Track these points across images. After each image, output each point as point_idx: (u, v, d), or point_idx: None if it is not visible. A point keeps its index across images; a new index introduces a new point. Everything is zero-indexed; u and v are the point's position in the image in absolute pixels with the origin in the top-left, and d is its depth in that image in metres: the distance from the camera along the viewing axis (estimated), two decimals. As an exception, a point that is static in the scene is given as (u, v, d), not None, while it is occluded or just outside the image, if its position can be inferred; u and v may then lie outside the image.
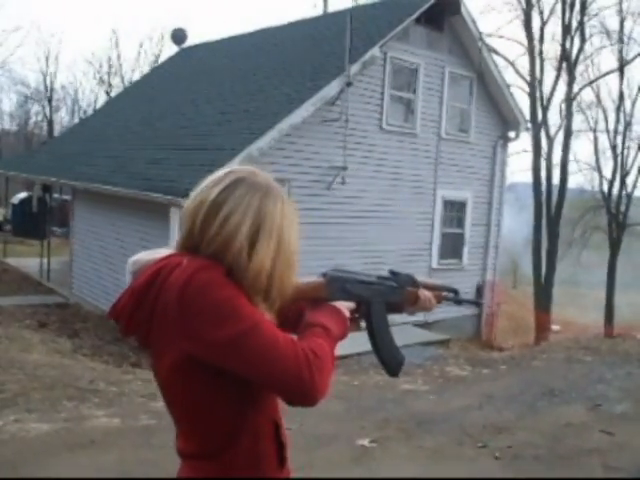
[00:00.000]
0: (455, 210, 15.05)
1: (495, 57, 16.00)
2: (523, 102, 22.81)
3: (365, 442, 5.45)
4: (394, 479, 4.66)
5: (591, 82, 24.77)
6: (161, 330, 1.51)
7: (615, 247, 25.04)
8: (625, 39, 24.51)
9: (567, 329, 21.55)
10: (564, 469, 5.20)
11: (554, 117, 53.44)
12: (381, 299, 1.84)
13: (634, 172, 25.98)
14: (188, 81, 17.52)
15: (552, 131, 23.51)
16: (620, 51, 24.65)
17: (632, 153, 26.13)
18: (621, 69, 24.70)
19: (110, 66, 41.63)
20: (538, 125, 21.82)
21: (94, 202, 13.88)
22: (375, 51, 12.16)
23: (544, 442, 5.78)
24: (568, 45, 22.33)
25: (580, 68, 23.70)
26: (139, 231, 11.94)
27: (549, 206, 22.86)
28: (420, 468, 5.04)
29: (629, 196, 25.79)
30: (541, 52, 22.17)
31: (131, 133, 15.49)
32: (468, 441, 5.71)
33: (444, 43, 13.88)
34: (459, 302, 2.10)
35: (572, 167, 24.41)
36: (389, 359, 1.85)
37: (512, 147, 27.59)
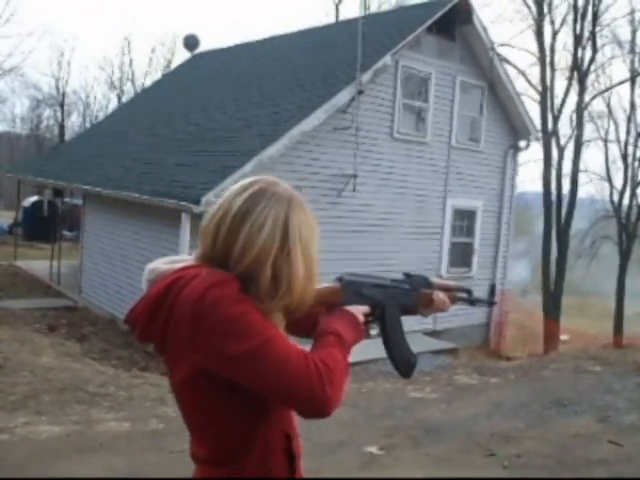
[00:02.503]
0: (465, 219, 15.04)
1: (506, 66, 15.98)
2: (534, 111, 22.76)
3: (373, 449, 5.47)
4: (397, 479, 4.67)
5: (602, 92, 24.73)
6: (175, 341, 1.53)
7: (625, 257, 24.93)
8: (637, 49, 24.49)
9: (576, 339, 21.42)
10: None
11: (565, 127, 53.27)
12: (395, 302, 1.86)
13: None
14: (200, 87, 17.61)
15: (563, 141, 23.49)
16: (632, 61, 24.64)
17: (643, 164, 26.08)
18: (632, 79, 24.64)
19: (122, 71, 41.94)
20: (549, 135, 21.77)
21: (105, 207, 13.95)
22: (387, 59, 12.17)
23: (552, 452, 5.78)
24: (579, 55, 22.33)
25: (591, 78, 23.68)
26: (149, 236, 11.99)
27: (559, 216, 22.79)
28: (428, 475, 5.05)
29: (639, 206, 25.72)
30: (552, 62, 22.15)
31: (142, 138, 15.56)
32: (476, 449, 5.72)
33: (455, 52, 13.90)
34: (472, 302, 2.09)
35: (582, 177, 24.27)
36: (402, 361, 1.87)
37: (522, 156, 27.59)
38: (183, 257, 1.72)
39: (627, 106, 25.70)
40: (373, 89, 12.38)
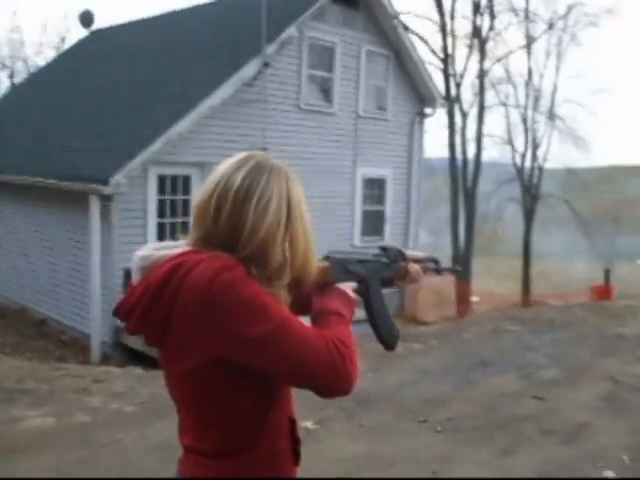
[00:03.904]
0: (375, 188, 15.14)
1: (410, 35, 16.07)
2: (437, 79, 23.16)
3: (308, 424, 5.44)
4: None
5: (501, 58, 25.35)
6: (180, 330, 1.45)
7: (529, 218, 25.80)
8: (531, 17, 25.17)
9: (486, 300, 22.02)
10: (503, 436, 5.33)
11: (467, 93, 54.43)
12: (376, 276, 1.88)
13: (544, 145, 26.85)
14: (101, 65, 16.94)
15: (466, 107, 23.97)
16: (527, 29, 25.35)
17: (542, 127, 26.99)
18: (528, 46, 25.38)
19: (12, 49, 40.00)
20: (452, 101, 22.17)
21: (6, 194, 13.32)
22: (292, 30, 12.06)
23: (481, 412, 5.91)
24: (478, 22, 22.75)
25: (490, 45, 24.25)
26: (56, 222, 11.55)
27: (465, 180, 23.31)
28: (364, 447, 5.06)
29: (540, 168, 26.61)
30: (453, 30, 22.51)
31: (42, 120, 14.89)
32: (408, 416, 5.78)
33: (360, 21, 13.86)
34: (439, 271, 2.16)
35: (486, 141, 25.01)
36: (387, 335, 1.88)
37: (429, 123, 28.01)
38: (170, 243, 1.62)
39: (525, 71, 26.46)
40: (279, 61, 12.25)
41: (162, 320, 1.45)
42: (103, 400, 5.96)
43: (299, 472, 1.68)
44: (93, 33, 20.81)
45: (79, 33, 22.29)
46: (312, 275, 1.61)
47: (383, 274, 1.90)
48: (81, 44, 21.24)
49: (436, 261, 2.12)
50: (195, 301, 1.40)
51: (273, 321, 1.40)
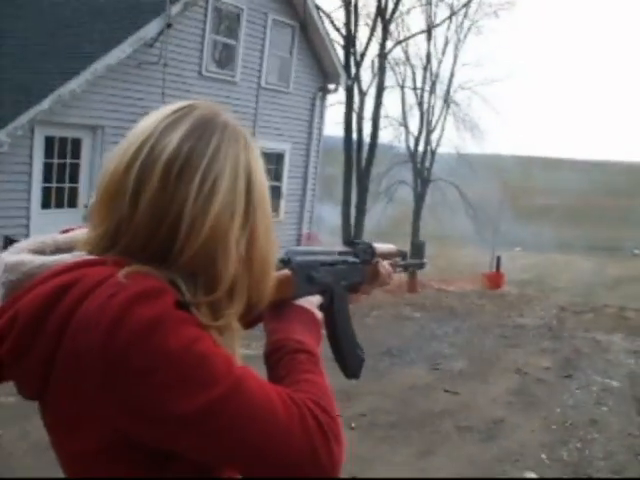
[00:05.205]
0: (273, 162, 14.71)
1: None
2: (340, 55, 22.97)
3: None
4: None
5: (403, 40, 25.41)
6: (68, 394, 0.89)
7: (420, 201, 26.08)
8: (434, 2, 25.39)
9: (372, 280, 22.14)
10: (420, 434, 5.11)
11: (366, 72, 54.83)
12: (344, 283, 1.35)
13: (438, 129, 27.21)
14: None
15: (364, 86, 23.86)
16: (429, 14, 25.57)
17: (437, 111, 27.31)
18: (429, 30, 25.56)
19: None
20: (351, 79, 21.94)
21: None
22: (197, -10, 11.41)
23: (395, 407, 5.70)
24: (383, 3, 22.58)
25: (392, 27, 24.16)
26: None
27: (359, 160, 23.20)
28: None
29: (433, 152, 26.94)
30: (356, 7, 22.24)
31: None
32: (320, 411, 5.47)
33: (268, -12, 13.35)
34: (406, 267, 1.69)
35: (383, 122, 24.99)
36: (352, 358, 1.38)
37: (330, 99, 27.82)
38: (60, 238, 1.06)
39: (424, 55, 26.67)
40: (183, 23, 11.59)
41: (43, 366, 0.90)
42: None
43: None
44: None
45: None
46: (268, 294, 1.05)
47: (351, 279, 1.38)
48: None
49: (404, 255, 1.64)
50: (91, 353, 0.85)
51: (219, 386, 0.86)
